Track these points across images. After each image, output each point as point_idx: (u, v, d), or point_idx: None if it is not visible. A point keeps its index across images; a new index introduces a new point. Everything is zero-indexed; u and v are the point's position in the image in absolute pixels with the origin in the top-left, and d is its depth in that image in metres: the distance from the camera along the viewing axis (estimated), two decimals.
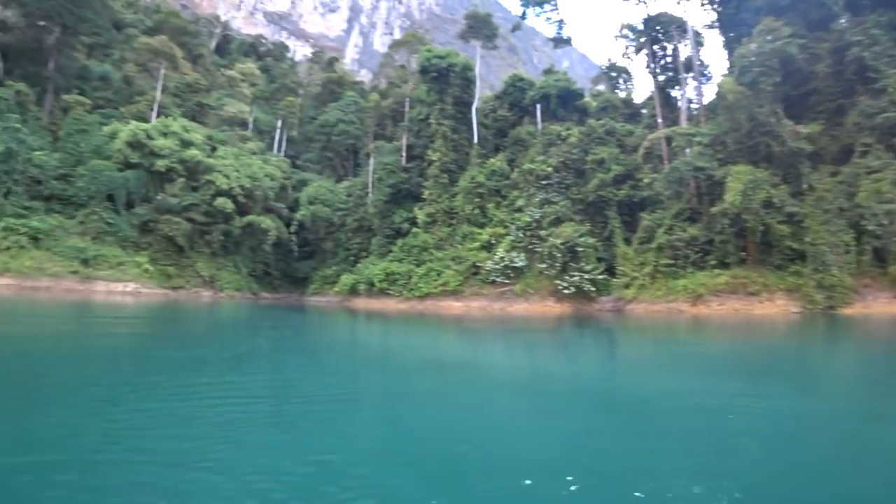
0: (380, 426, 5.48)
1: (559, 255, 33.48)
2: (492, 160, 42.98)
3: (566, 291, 32.63)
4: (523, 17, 54.92)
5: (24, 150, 34.43)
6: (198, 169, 41.17)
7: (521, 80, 49.97)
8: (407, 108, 53.70)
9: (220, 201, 40.68)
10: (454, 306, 35.93)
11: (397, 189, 46.35)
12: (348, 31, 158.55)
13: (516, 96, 48.66)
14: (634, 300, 30.71)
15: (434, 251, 40.79)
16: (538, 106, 45.52)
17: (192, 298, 37.42)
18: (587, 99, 48.46)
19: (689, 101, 39.09)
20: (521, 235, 36.98)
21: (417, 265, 40.14)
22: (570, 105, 45.70)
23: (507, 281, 35.95)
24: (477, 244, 38.94)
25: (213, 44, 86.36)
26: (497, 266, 36.17)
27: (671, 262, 30.32)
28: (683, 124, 35.87)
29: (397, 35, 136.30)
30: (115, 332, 14.20)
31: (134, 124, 39.79)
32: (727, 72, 34.09)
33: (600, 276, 32.71)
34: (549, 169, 38.50)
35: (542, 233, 35.89)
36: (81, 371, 7.67)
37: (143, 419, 4.95)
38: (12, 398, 5.67)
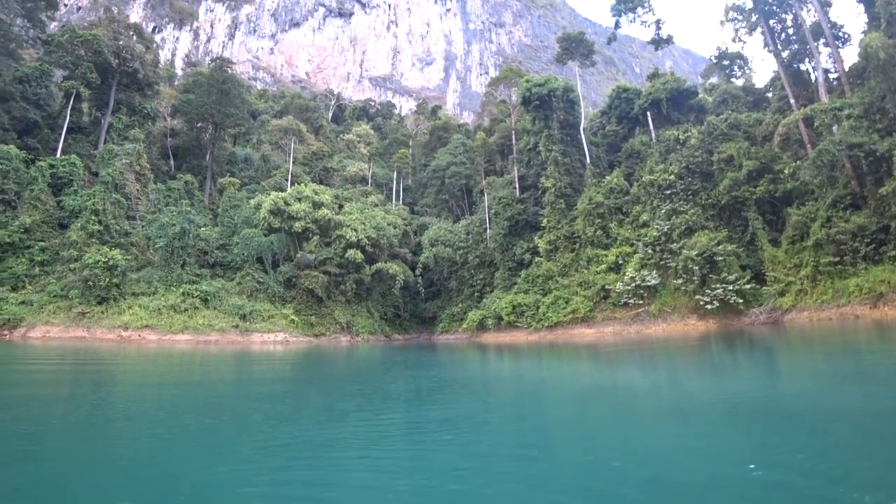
0: (580, 454, 5.29)
1: (696, 267, 30.81)
2: (608, 178, 41.59)
3: (709, 307, 29.69)
4: (617, 26, 53.40)
5: (194, 228, 40.42)
6: (329, 226, 45.08)
7: (626, 90, 48.33)
8: (514, 141, 54.32)
9: (351, 253, 43.91)
10: (586, 333, 34.47)
11: (515, 221, 46.51)
12: (446, 80, 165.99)
13: (623, 108, 47.02)
14: (794, 308, 27.00)
15: (559, 279, 39.87)
16: (648, 114, 43.49)
17: (333, 343, 40.17)
18: (701, 95, 45.29)
19: (826, 73, 34.06)
20: (651, 252, 34.81)
21: (543, 294, 39.43)
22: (683, 106, 43.02)
23: (640, 302, 33.83)
24: (603, 266, 37.40)
25: (330, 114, 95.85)
26: (628, 287, 34.28)
27: (835, 259, 26.18)
28: (823, 99, 31.43)
29: (493, 73, 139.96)
30: (287, 374, 15.70)
31: (273, 195, 44.97)
32: (869, 27, 29.67)
33: (747, 286, 29.33)
34: (672, 177, 36.15)
35: (674, 246, 33.47)
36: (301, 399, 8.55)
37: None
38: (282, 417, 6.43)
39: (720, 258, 30.23)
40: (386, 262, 47.39)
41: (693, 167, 35.60)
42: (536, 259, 42.78)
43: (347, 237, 44.42)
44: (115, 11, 65.25)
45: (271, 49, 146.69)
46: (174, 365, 18.90)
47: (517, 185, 49.60)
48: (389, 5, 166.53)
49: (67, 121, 44.79)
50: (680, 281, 31.71)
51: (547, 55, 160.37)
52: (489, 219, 50.08)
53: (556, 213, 42.69)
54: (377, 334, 46.69)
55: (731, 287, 29.25)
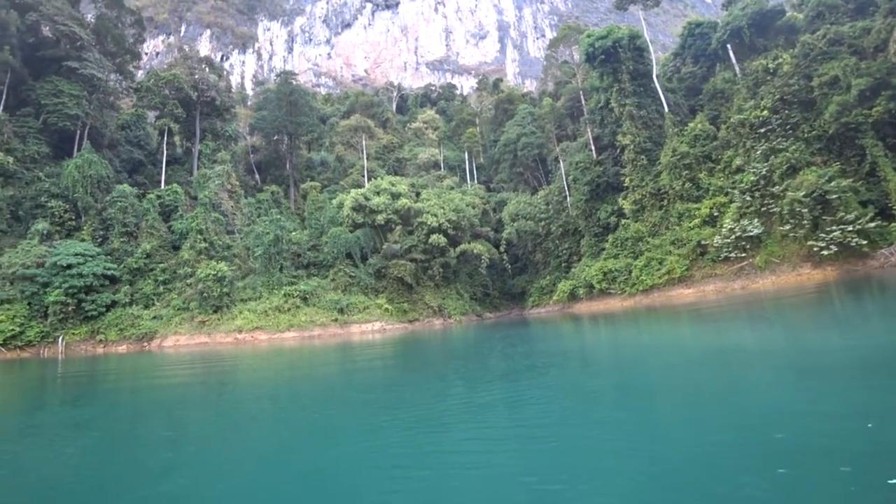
0: (687, 425, 5.17)
1: (805, 210, 28.04)
2: (691, 125, 38.78)
3: (825, 253, 26.90)
4: None
5: (286, 234, 43.05)
6: (409, 215, 46.13)
7: (699, 25, 44.61)
8: (583, 102, 52.17)
9: (434, 238, 44.70)
10: (685, 294, 32.73)
11: (595, 185, 44.88)
12: (502, 51, 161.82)
13: (699, 46, 43.43)
14: None
15: (650, 239, 38.08)
16: (728, 46, 39.86)
17: (427, 327, 41.32)
18: (790, 14, 40.60)
19: None
20: (749, 199, 32.15)
21: (635, 257, 37.90)
22: (769, 30, 38.89)
23: (742, 255, 31.46)
24: (697, 221, 35.18)
25: (394, 106, 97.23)
26: (727, 240, 31.99)
27: None
28: None
29: (550, 35, 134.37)
30: (390, 360, 16.50)
31: (353, 192, 46.66)
32: None
33: (871, 225, 26.18)
34: (765, 113, 33.00)
35: (776, 189, 30.67)
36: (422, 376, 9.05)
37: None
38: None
39: (834, 196, 27.27)
40: (469, 243, 47.75)
41: (789, 98, 32.26)
42: (623, 221, 41.08)
43: (429, 223, 45.22)
44: (188, 49, 70.63)
45: (328, 54, 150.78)
46: (289, 360, 20.44)
47: (593, 147, 47.69)
48: None
49: (165, 155, 49.26)
50: (787, 227, 29.09)
51: (604, 4, 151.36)
52: (568, 186, 48.67)
53: (639, 171, 40.60)
54: (468, 314, 47.37)
55: (851, 228, 26.32)
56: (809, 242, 27.77)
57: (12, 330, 33.10)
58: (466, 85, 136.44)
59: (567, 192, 48.85)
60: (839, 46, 31.33)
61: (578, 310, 39.83)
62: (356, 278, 43.44)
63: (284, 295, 39.42)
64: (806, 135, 31.06)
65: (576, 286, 41.86)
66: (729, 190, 33.96)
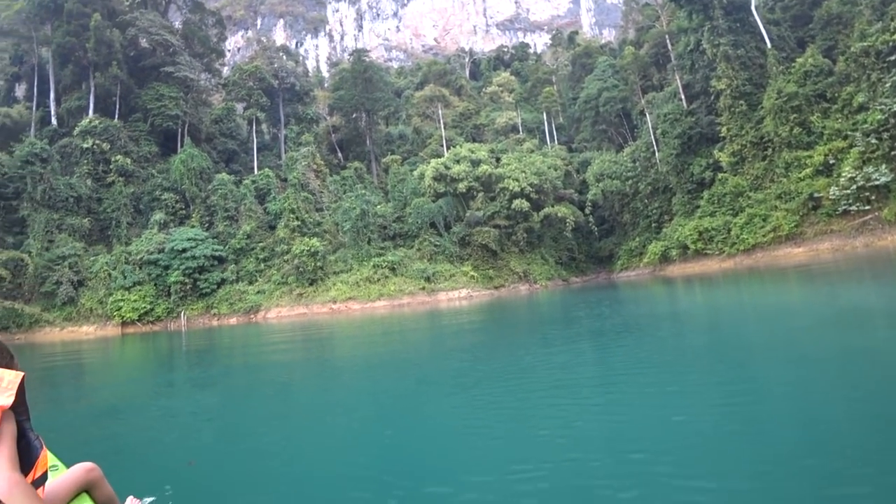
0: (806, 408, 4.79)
1: None
2: (799, 60, 34.62)
3: None
4: None
5: (371, 208, 44.44)
6: (490, 181, 45.77)
7: None
8: (669, 47, 48.38)
9: (517, 203, 44.16)
10: (794, 253, 29.92)
11: (687, 137, 41.78)
12: (576, 1, 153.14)
13: None
14: None
15: (752, 193, 35.07)
16: None
17: (513, 293, 41.31)
18: None
19: None
20: (875, 142, 28.21)
21: (734, 214, 35.15)
22: None
23: (866, 207, 27.84)
24: (808, 171, 31.70)
25: (466, 72, 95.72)
26: (846, 191, 28.47)
27: None
28: None
29: None
30: (484, 326, 16.76)
31: (433, 162, 46.96)
32: None
33: None
34: None
35: None
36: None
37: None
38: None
39: None
40: (553, 206, 46.72)
41: None
42: (720, 175, 38.07)
43: (510, 188, 44.66)
44: (265, 41, 73.83)
45: (397, 27, 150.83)
46: (382, 327, 21.35)
47: (683, 96, 44.26)
48: None
49: (255, 142, 52.38)
50: None
51: None
52: (656, 140, 45.77)
53: (737, 118, 37.18)
54: (554, 279, 46.71)
55: None
56: None
57: (144, 307, 37.46)
58: (540, 42, 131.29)
59: (655, 148, 45.97)
60: None
61: (671, 272, 37.89)
62: (441, 247, 44.17)
63: (373, 266, 41.04)
64: None
65: (668, 247, 39.74)
66: (849, 133, 30.09)
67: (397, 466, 3.93)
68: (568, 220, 46.54)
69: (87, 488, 2.05)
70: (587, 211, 48.92)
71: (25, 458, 1.69)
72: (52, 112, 47.50)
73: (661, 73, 51.21)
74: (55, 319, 36.64)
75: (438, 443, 4.48)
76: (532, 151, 53.48)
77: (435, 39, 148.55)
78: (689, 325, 11.06)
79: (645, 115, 48.73)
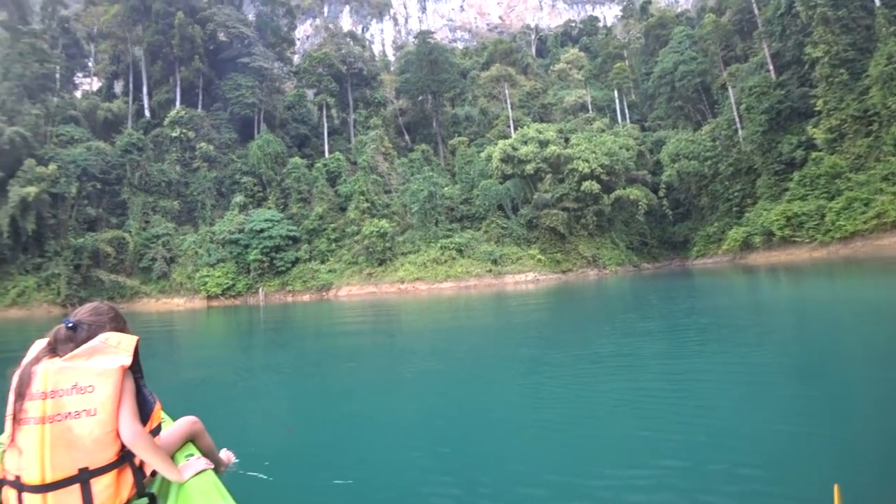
0: None
1: None
2: None
3: None
4: None
5: (438, 189, 44.75)
6: (559, 162, 44.70)
7: None
8: (756, 12, 44.80)
9: (586, 185, 42.90)
10: None
11: (775, 112, 38.65)
12: None
13: None
14: None
15: (851, 175, 32.04)
16: None
17: (581, 278, 40.42)
18: None
19: None
20: None
21: (830, 198, 32.25)
22: None
23: None
24: None
25: (533, 50, 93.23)
26: None
27: None
28: None
29: None
30: (554, 311, 16.52)
31: (500, 143, 46.40)
32: None
33: None
34: None
35: None
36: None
37: None
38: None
39: None
40: (624, 189, 44.99)
41: None
42: (813, 155, 35.00)
43: (580, 169, 43.42)
44: (332, 28, 75.35)
45: (461, 6, 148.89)
46: (449, 307, 21.59)
47: (771, 67, 40.96)
48: None
49: (325, 127, 54.07)
50: None
51: None
52: (739, 117, 42.73)
53: (836, 89, 33.98)
54: (625, 265, 45.26)
55: None
56: None
57: (227, 283, 40.19)
58: (610, 15, 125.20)
59: (739, 125, 42.97)
60: None
61: (753, 261, 35.58)
62: (508, 229, 43.89)
63: (441, 248, 41.52)
64: None
65: (750, 233, 37.19)
66: None
67: (475, 460, 3.79)
68: (640, 203, 44.68)
69: (191, 438, 2.28)
70: (661, 193, 46.56)
71: (142, 412, 1.92)
72: (146, 105, 51.45)
73: (746, 43, 47.43)
74: (151, 292, 40.14)
75: (518, 436, 4.25)
76: (602, 131, 51.54)
77: (500, 17, 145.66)
78: (782, 321, 10.33)
79: (727, 89, 45.51)
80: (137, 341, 1.96)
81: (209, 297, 39.64)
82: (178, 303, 39.46)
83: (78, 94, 55.25)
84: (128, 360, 1.87)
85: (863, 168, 31.85)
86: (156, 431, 2.05)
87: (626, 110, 60.17)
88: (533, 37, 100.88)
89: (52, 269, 37.36)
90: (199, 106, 49.56)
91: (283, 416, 5.46)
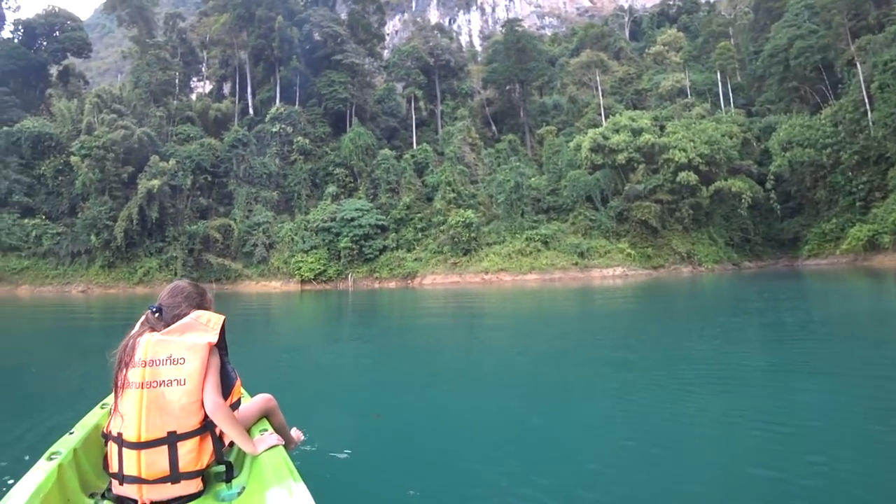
0: None
1: None
2: None
3: None
4: None
5: (525, 180, 44.16)
6: (653, 151, 42.35)
7: None
8: None
9: (682, 176, 40.33)
10: None
11: None
12: None
13: None
14: None
15: None
16: None
17: (673, 275, 38.14)
18: None
19: None
20: None
21: None
22: None
23: None
24: None
25: (626, 33, 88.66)
26: None
27: None
28: None
29: None
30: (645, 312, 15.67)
31: (590, 132, 44.77)
32: None
33: None
34: None
35: None
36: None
37: None
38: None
39: None
40: (726, 180, 41.73)
41: None
42: None
43: (676, 159, 40.87)
44: (420, 21, 76.59)
45: None
46: (541, 301, 21.21)
47: None
48: None
49: (413, 119, 55.17)
50: None
51: None
52: (869, 98, 37.89)
53: None
54: (723, 262, 42.19)
55: None
56: None
57: (319, 268, 42.46)
58: None
59: (868, 107, 38.14)
60: None
61: (880, 263, 31.65)
62: (596, 222, 42.45)
63: (526, 239, 41.05)
64: None
65: (877, 232, 33.14)
66: None
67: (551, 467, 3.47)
68: (744, 196, 41.18)
69: (266, 414, 2.44)
70: (768, 185, 42.32)
71: (225, 386, 2.09)
72: (250, 103, 55.55)
73: (881, 10, 41.74)
74: (252, 275, 43.42)
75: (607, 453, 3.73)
76: (703, 117, 47.99)
77: (590, 0, 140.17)
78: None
79: (855, 65, 40.42)
80: (224, 321, 2.14)
81: (303, 282, 42.10)
82: (275, 285, 42.33)
83: (193, 96, 61.10)
84: (215, 338, 2.05)
85: None
86: (235, 405, 2.24)
87: (731, 94, 55.39)
88: (626, 19, 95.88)
89: (171, 253, 42.07)
90: (297, 102, 52.57)
91: (370, 401, 5.52)
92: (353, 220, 43.55)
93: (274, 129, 48.95)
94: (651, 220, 40.95)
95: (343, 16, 61.40)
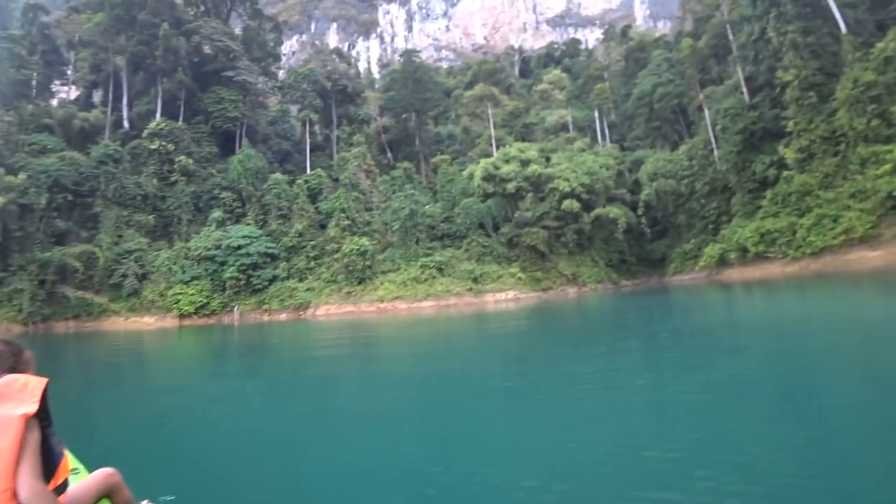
0: None
1: None
2: (879, 45, 31.75)
3: None
4: None
5: (420, 207, 44.71)
6: (540, 181, 45.02)
7: None
8: (731, 37, 45.98)
9: (567, 203, 43.21)
10: (869, 257, 27.79)
11: (748, 133, 39.53)
12: None
13: None
14: None
15: (820, 192, 32.77)
16: None
17: (561, 296, 40.46)
18: None
19: None
20: None
21: (800, 215, 32.97)
22: None
23: None
24: (888, 167, 29.04)
25: (516, 70, 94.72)
26: None
27: None
28: None
29: None
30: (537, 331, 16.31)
31: (483, 162, 46.67)
32: None
33: None
34: None
35: None
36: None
37: None
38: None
39: None
40: (604, 207, 45.40)
41: None
42: (785, 174, 35.78)
43: (560, 188, 43.76)
44: (319, 44, 76.19)
45: (447, 27, 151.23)
46: (437, 328, 21.28)
47: (745, 89, 41.93)
48: None
49: (308, 143, 53.90)
50: None
51: None
52: (715, 137, 43.57)
53: (806, 111, 34.85)
54: (604, 282, 45.46)
55: None
56: None
57: (200, 301, 39.28)
58: (591, 38, 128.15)
59: (714, 145, 43.80)
60: None
61: (729, 277, 36.06)
62: (489, 248, 43.88)
63: (421, 266, 41.26)
64: None
65: (726, 250, 37.71)
66: None
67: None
68: (619, 222, 45.08)
69: (107, 493, 2.05)
70: (640, 212, 47.05)
71: (47, 465, 1.70)
72: (125, 116, 50.66)
73: (721, 66, 48.66)
74: (121, 310, 39.07)
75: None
76: (583, 150, 52.15)
77: (484, 38, 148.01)
78: (758, 341, 10.27)
79: (703, 110, 46.50)
80: (47, 384, 1.73)
81: (181, 316, 38.70)
82: (148, 322, 38.45)
83: (54, 102, 54.42)
84: (33, 407, 1.65)
85: (831, 186, 32.57)
86: (62, 488, 1.83)
87: (606, 130, 61.06)
88: (516, 58, 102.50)
89: (16, 285, 36.26)
90: (181, 118, 48.95)
91: (256, 455, 4.98)
92: (240, 247, 41.08)
93: (153, 146, 45.07)
94: (539, 245, 43.24)
95: (237, 31, 58.61)
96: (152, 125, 46.14)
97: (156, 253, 41.65)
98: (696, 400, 5.52)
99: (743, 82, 42.09)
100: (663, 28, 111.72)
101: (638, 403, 5.71)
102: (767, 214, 35.43)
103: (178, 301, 38.78)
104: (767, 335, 10.60)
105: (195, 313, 38.82)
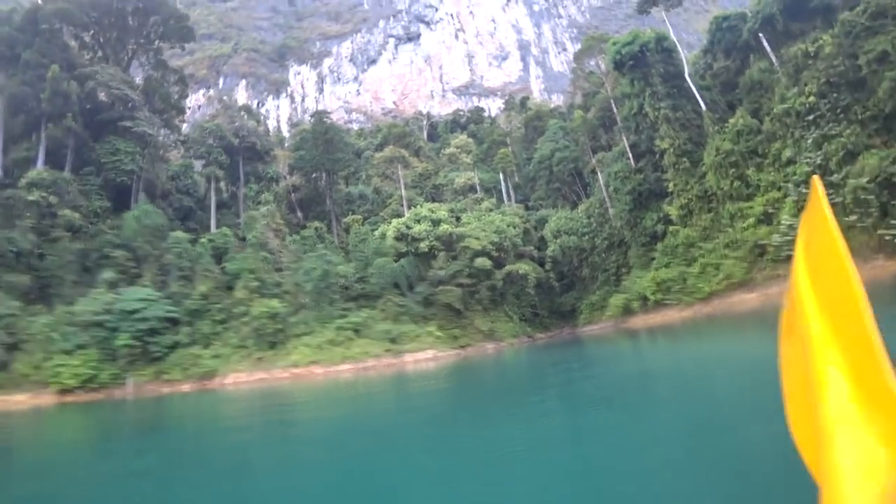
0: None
1: (871, 197, 26.59)
2: (731, 121, 37.62)
3: None
4: None
5: (332, 268, 43.79)
6: (452, 240, 46.32)
7: (727, 18, 43.78)
8: (615, 110, 51.79)
9: (479, 261, 44.62)
10: (748, 299, 31.32)
11: (637, 193, 44.10)
12: (526, 69, 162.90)
13: (728, 39, 42.50)
14: None
15: (702, 244, 36.87)
16: (761, 35, 38.71)
17: (479, 352, 40.86)
18: None
19: None
20: (805, 191, 30.55)
21: (688, 265, 36.71)
22: (802, 13, 37.58)
23: None
24: (751, 220, 33.81)
25: (424, 134, 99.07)
26: (786, 237, 30.34)
27: None
28: None
29: (572, 48, 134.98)
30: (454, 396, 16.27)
31: (394, 222, 47.35)
32: None
33: None
34: (811, 98, 31.54)
35: (835, 178, 29.14)
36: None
37: None
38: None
39: None
40: (514, 264, 47.41)
41: (836, 80, 30.75)
42: (671, 228, 40.02)
43: (472, 247, 45.22)
44: (227, 100, 75.28)
45: (357, 90, 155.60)
46: (356, 394, 20.49)
47: (630, 155, 47.00)
48: (452, 15, 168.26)
49: (213, 200, 51.51)
50: (853, 217, 27.42)
51: (623, 11, 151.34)
52: (609, 197, 48.01)
53: (682, 174, 39.66)
54: (520, 336, 46.68)
55: None
56: (880, 231, 26.19)
57: (87, 373, 34.58)
58: (494, 106, 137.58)
59: (608, 204, 48.12)
60: (883, 20, 29.85)
61: (634, 324, 38.68)
62: (405, 307, 43.60)
63: (336, 328, 39.91)
64: (860, 116, 29.51)
65: (629, 299, 40.75)
66: (782, 184, 32.64)
67: None
68: (529, 277, 47.24)
69: None
70: (547, 267, 49.98)
71: None
72: None
73: (609, 135, 54.45)
74: None
75: None
76: (490, 210, 54.86)
77: (394, 103, 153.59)
78: (662, 389, 11.13)
79: (596, 173, 51.25)
80: None
81: (62, 392, 33.88)
82: (19, 399, 33.11)
83: None
84: None
85: (709, 238, 36.82)
86: None
87: (511, 191, 65.03)
88: (424, 122, 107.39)
89: None
90: (67, 168, 44.31)
91: None
92: (135, 311, 37.33)
93: (31, 198, 40.10)
94: (455, 303, 43.86)
95: (138, 80, 55.57)
96: (32, 174, 41.35)
97: (31, 319, 36.62)
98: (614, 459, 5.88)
99: (628, 149, 47.21)
100: (557, 100, 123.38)
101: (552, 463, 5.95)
102: (660, 265, 39.04)
103: (59, 374, 33.89)
104: (674, 384, 11.54)
105: (80, 387, 34.18)
